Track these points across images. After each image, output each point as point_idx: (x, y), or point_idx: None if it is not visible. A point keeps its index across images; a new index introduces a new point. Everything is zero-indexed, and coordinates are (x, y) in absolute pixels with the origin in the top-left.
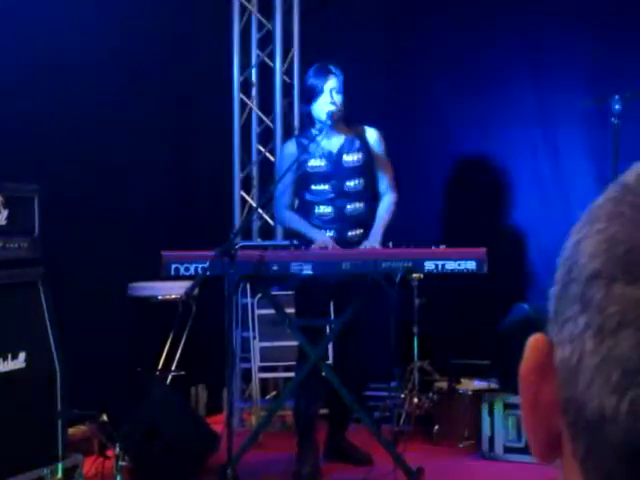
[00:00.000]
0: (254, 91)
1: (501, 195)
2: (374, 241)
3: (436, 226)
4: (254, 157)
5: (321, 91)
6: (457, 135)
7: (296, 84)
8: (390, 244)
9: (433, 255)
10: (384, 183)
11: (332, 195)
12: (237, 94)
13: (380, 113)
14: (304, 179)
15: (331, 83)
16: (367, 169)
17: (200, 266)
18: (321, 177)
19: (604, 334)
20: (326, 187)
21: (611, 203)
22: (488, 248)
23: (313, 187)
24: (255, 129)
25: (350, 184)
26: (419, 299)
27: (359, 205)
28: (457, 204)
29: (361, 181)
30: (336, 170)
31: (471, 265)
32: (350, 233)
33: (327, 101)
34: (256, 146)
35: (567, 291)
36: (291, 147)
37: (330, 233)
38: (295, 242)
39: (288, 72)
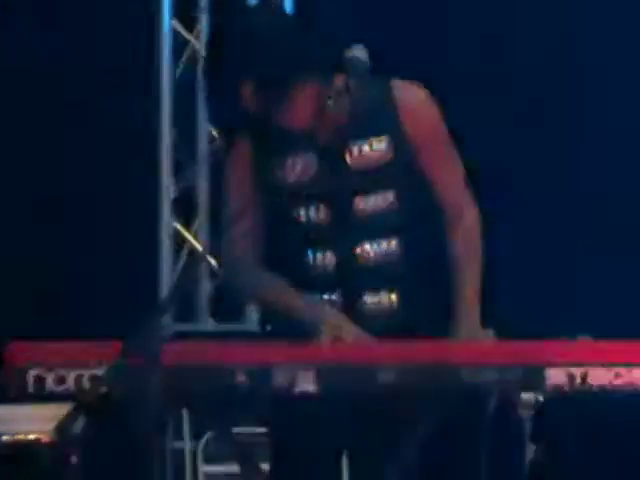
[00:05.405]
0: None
1: None
2: (471, 329)
3: (571, 300)
4: (201, 149)
5: None
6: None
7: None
8: None
9: (565, 356)
10: (450, 189)
11: (333, 228)
12: (167, 22)
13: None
14: (277, 201)
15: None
16: (402, 170)
17: (87, 374)
18: (311, 194)
19: None
20: (321, 213)
21: None
22: None
23: (294, 214)
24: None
25: (366, 204)
26: (534, 444)
27: (386, 244)
28: (606, 260)
29: (390, 195)
30: (338, 178)
31: None
32: (369, 300)
33: None
34: (205, 127)
35: None
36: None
37: (330, 298)
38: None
39: None
